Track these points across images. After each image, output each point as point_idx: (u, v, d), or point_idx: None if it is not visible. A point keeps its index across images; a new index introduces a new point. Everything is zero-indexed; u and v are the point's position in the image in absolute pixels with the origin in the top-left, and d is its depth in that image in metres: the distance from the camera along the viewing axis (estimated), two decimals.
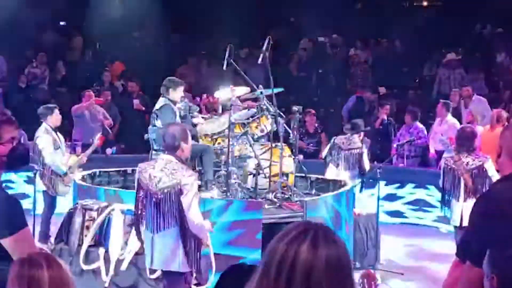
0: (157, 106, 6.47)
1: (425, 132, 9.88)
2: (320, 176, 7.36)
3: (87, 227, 5.59)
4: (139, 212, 4.46)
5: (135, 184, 4.57)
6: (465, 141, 6.28)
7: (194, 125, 6.53)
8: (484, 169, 6.12)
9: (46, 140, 7.07)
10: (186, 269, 4.39)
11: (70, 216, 5.76)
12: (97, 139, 7.98)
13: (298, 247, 1.49)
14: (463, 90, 10.42)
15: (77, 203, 5.88)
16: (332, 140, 8.14)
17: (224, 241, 5.44)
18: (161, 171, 4.37)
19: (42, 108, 7.34)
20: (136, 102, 11.24)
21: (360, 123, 8.23)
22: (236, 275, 2.06)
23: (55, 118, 7.24)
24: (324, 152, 8.21)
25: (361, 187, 7.65)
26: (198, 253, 4.39)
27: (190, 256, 4.35)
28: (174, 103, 6.44)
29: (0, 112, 3.12)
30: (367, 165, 7.84)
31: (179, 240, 4.32)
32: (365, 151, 7.94)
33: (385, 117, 10.46)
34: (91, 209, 5.64)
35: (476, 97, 10.27)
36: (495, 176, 5.89)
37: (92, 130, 9.64)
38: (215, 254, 5.26)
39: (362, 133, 8.11)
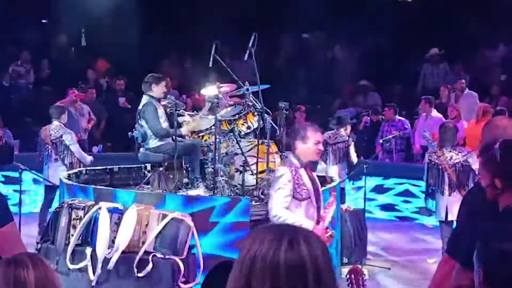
0: (140, 105, 6.44)
1: (409, 124, 10.06)
2: None
3: (74, 226, 5.55)
4: None
5: None
6: (447, 136, 6.35)
7: (179, 125, 6.51)
8: (468, 164, 6.18)
9: (72, 136, 7.91)
10: None
11: (56, 215, 5.72)
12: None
13: (278, 249, 1.47)
14: (458, 83, 10.46)
15: (63, 202, 5.84)
16: None
17: (223, 243, 5.30)
18: None
19: (55, 107, 8.07)
20: (122, 100, 11.20)
21: (345, 117, 8.28)
22: (223, 273, 2.05)
23: (66, 117, 8.05)
24: None
25: (350, 180, 7.69)
26: None
27: None
28: (158, 99, 6.42)
29: None
30: (354, 157, 7.90)
31: None
32: (352, 144, 7.99)
33: (368, 120, 10.56)
34: (77, 208, 5.60)
35: (468, 92, 10.36)
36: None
37: (79, 126, 9.64)
38: (213, 255, 5.23)
39: (349, 127, 8.16)
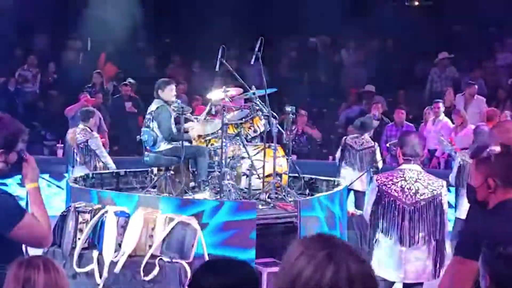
0: (153, 107, 6.45)
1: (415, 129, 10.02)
2: (313, 176, 7.34)
3: (80, 230, 5.55)
4: (381, 225, 4.50)
5: (374, 197, 4.48)
6: (481, 139, 6.37)
7: (186, 131, 6.53)
8: None
9: (99, 141, 7.96)
10: (433, 279, 4.41)
11: (63, 218, 5.72)
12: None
13: (324, 269, 1.44)
14: (471, 88, 10.35)
15: (70, 206, 5.84)
16: (343, 141, 8.11)
17: (217, 242, 5.41)
18: (415, 182, 4.37)
19: (84, 111, 8.12)
20: (128, 105, 11.22)
21: (369, 122, 8.25)
22: (212, 270, 2.00)
23: (95, 121, 8.08)
24: (337, 154, 8.18)
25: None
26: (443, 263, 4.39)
27: (440, 266, 4.38)
28: (169, 103, 6.44)
29: (12, 119, 3.09)
30: (380, 162, 7.90)
31: (432, 250, 4.37)
32: (377, 148, 7.99)
33: (376, 113, 10.45)
34: (84, 212, 5.61)
35: (477, 96, 10.31)
36: None
37: None
38: (208, 254, 5.25)
39: (372, 131, 8.16)
